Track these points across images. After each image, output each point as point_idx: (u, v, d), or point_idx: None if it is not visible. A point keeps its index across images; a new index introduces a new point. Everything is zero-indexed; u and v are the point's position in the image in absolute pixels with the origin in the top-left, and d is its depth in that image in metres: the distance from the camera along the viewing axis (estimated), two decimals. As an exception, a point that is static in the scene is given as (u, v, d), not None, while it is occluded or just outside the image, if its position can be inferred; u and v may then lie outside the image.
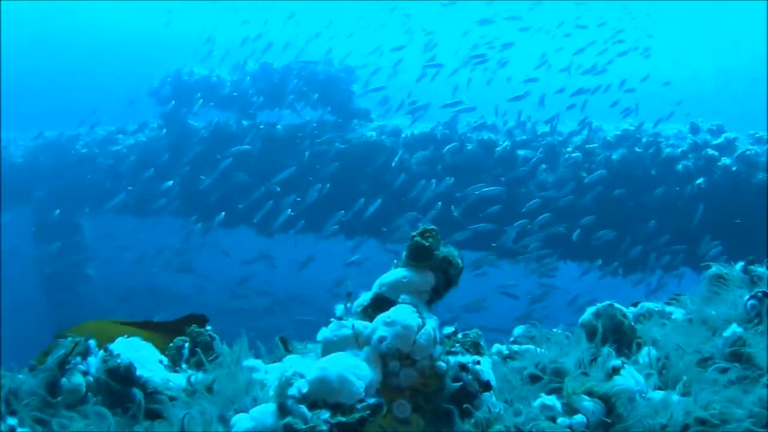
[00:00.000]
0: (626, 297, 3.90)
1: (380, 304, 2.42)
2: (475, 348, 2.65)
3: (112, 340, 3.27)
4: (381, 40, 21.04)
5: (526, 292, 15.38)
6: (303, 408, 2.09)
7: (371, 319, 2.35)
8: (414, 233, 2.46)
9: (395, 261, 2.53)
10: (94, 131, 17.76)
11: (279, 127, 15.27)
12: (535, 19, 22.93)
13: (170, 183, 14.81)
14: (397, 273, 2.46)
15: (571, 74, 17.85)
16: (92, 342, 2.79)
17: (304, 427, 2.03)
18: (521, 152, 13.25)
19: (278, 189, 14.03)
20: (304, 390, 2.12)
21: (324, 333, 2.36)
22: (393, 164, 13.40)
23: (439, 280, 2.47)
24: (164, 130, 16.48)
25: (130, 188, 16.13)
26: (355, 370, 2.16)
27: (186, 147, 15.83)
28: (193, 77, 16.13)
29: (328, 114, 15.15)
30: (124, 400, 2.57)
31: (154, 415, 2.50)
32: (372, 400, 2.13)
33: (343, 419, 2.07)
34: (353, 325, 2.32)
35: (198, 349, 2.91)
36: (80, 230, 19.24)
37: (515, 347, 3.20)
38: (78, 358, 2.64)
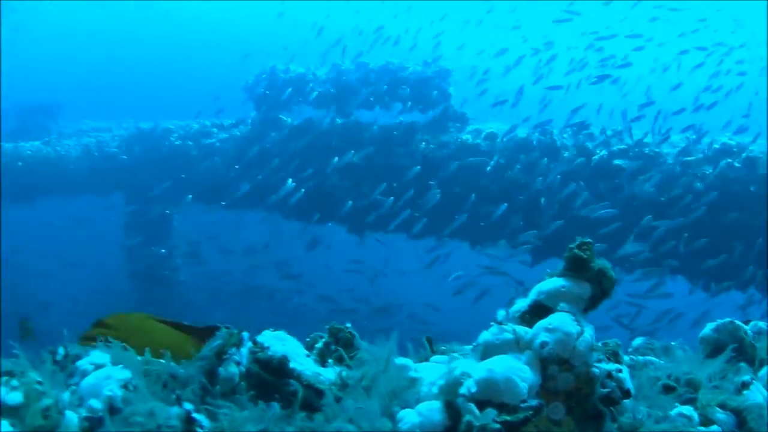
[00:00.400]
0: (718, 314, 3.97)
1: (538, 311, 2.56)
2: (615, 357, 2.76)
3: (145, 333, 3.59)
4: (482, 41, 21.14)
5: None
6: (472, 406, 2.23)
7: (529, 325, 2.49)
8: (572, 245, 2.60)
9: (548, 270, 2.66)
10: (189, 124, 18.12)
11: (375, 127, 15.42)
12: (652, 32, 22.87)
13: (292, 183, 14.85)
14: (556, 282, 2.60)
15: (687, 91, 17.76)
16: (245, 334, 2.94)
17: (477, 424, 2.18)
18: (618, 161, 13.18)
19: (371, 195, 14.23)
20: (473, 390, 2.26)
21: (485, 336, 2.50)
22: (488, 169, 13.45)
23: (594, 291, 2.60)
24: (258, 126, 16.76)
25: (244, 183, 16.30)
26: (519, 373, 2.31)
27: (279, 143, 16.12)
28: (288, 74, 16.34)
29: (424, 115, 15.24)
30: (276, 392, 2.71)
31: (307, 407, 2.62)
32: (534, 402, 2.27)
33: (509, 418, 2.21)
34: (514, 330, 2.46)
35: (339, 347, 3.01)
36: (171, 222, 19.63)
37: (639, 358, 3.31)
38: (233, 349, 2.80)
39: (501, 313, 2.61)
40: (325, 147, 15.41)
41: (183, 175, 17.07)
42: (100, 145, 18.75)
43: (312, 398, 2.65)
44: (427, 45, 17.95)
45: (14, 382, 2.41)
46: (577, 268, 2.59)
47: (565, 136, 13.65)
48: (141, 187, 18.71)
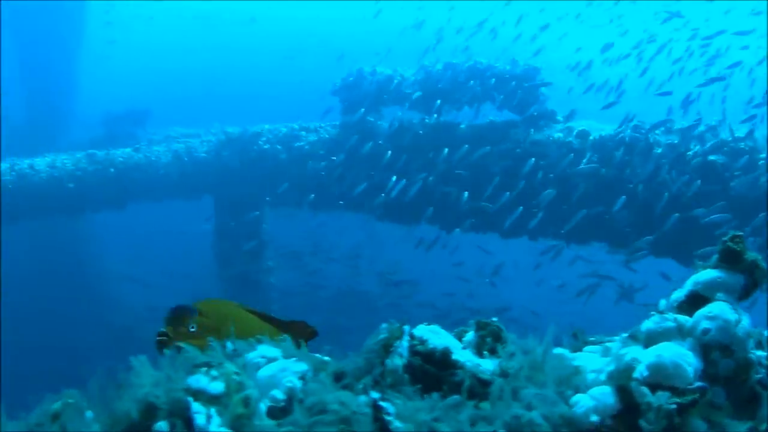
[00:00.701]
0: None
1: (695, 300, 2.75)
2: (759, 345, 2.92)
3: (235, 321, 3.69)
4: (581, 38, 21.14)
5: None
6: (646, 389, 2.43)
7: (687, 314, 2.68)
8: (725, 238, 2.78)
9: (699, 263, 2.85)
10: (277, 128, 18.46)
11: (462, 126, 15.57)
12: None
13: (402, 181, 15.03)
14: (711, 273, 2.79)
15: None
16: (406, 327, 3.13)
17: (655, 406, 2.37)
18: (713, 157, 13.09)
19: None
20: (645, 374, 2.46)
21: (647, 325, 2.71)
22: (582, 166, 13.49)
23: (747, 282, 2.77)
24: (346, 129, 17.02)
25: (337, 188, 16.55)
26: (685, 358, 2.50)
27: (368, 146, 16.34)
28: (375, 76, 16.56)
29: (514, 115, 15.32)
30: (439, 383, 2.88)
31: (472, 397, 2.78)
32: (699, 384, 2.46)
33: (679, 400, 2.40)
34: (676, 318, 2.65)
35: (489, 339, 3.16)
36: (261, 225, 20.00)
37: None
38: (397, 342, 2.99)
39: (662, 303, 2.80)
40: (415, 148, 15.62)
41: (285, 184, 17.31)
42: (190, 151, 19.20)
43: (476, 388, 2.81)
44: (522, 42, 17.93)
45: (214, 372, 2.64)
46: (730, 260, 2.77)
47: (657, 132, 13.57)
48: (231, 192, 19.20)
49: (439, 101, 15.67)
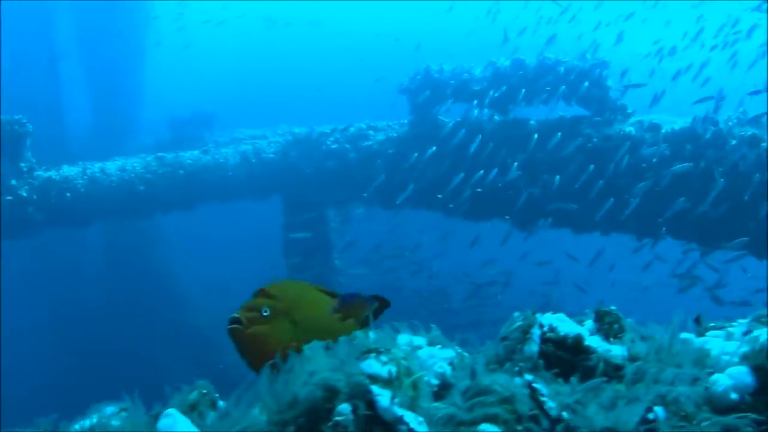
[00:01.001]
0: None
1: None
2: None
3: (307, 303, 3.89)
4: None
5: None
6: (783, 367, 2.67)
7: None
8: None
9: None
10: (344, 127, 18.76)
11: (532, 122, 15.74)
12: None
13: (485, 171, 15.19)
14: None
15: None
16: (539, 315, 3.34)
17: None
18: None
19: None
20: (781, 353, 2.70)
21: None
22: (654, 160, 13.57)
23: None
24: (415, 127, 17.26)
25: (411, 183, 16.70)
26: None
27: (437, 143, 16.57)
28: (443, 74, 16.76)
29: (583, 109, 15.43)
30: (573, 368, 3.10)
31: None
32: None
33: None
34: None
35: (615, 326, 3.36)
36: (327, 223, 20.31)
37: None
38: (533, 330, 3.23)
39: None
40: (485, 145, 15.81)
41: (364, 195, 17.58)
42: (258, 152, 19.59)
43: (609, 372, 3.04)
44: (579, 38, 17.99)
45: (383, 358, 2.91)
46: None
47: (730, 124, 13.58)
48: (299, 191, 19.56)
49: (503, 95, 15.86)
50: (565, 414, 2.78)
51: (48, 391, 26.37)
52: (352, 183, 18.15)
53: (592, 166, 14.17)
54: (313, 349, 3.10)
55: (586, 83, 15.13)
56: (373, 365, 2.88)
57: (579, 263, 18.80)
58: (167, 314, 27.01)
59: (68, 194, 17.40)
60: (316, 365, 2.93)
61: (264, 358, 3.66)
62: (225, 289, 26.88)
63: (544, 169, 14.93)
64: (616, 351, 3.17)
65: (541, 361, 3.16)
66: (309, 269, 19.81)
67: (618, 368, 3.07)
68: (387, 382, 2.83)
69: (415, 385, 2.85)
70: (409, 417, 2.70)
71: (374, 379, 2.83)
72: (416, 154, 16.41)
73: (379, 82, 17.70)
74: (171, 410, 3.14)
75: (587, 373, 3.08)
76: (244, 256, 30.86)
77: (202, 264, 29.36)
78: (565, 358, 3.16)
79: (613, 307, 3.46)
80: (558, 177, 14.50)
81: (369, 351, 2.98)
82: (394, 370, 2.87)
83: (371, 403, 2.74)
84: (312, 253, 19.95)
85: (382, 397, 2.75)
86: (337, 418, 2.73)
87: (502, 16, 28.76)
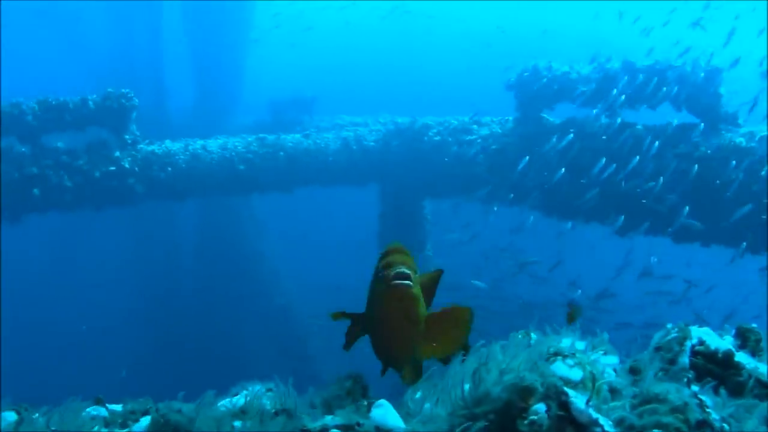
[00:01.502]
0: None
1: None
2: None
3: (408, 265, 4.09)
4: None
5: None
6: None
7: None
8: None
9: None
10: (447, 120, 19.00)
11: (639, 126, 15.79)
12: None
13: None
14: None
15: None
16: (692, 329, 3.54)
17: None
18: None
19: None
20: None
21: None
22: (763, 172, 13.53)
23: None
24: (520, 125, 17.43)
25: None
26: None
27: (541, 142, 16.75)
28: (551, 72, 16.89)
29: (693, 116, 15.42)
30: (722, 382, 3.30)
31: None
32: None
33: None
34: None
35: (763, 344, 3.52)
36: (424, 215, 20.58)
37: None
38: (687, 342, 3.43)
39: None
40: (590, 148, 15.94)
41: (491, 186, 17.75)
42: (359, 139, 19.94)
43: (756, 389, 3.26)
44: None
45: (570, 361, 3.16)
46: None
47: None
48: (398, 181, 19.86)
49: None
50: (726, 426, 2.96)
51: (141, 364, 27.14)
52: (454, 176, 18.32)
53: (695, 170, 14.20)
54: (489, 349, 3.34)
55: (695, 89, 15.11)
56: (562, 368, 3.12)
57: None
58: (255, 295, 27.51)
59: (169, 168, 17.91)
60: (505, 364, 3.15)
61: (411, 323, 3.99)
62: (314, 275, 27.40)
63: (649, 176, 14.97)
64: (764, 369, 3.37)
65: (692, 373, 3.39)
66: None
67: (765, 386, 3.27)
68: (578, 385, 3.05)
69: (598, 390, 3.06)
70: (604, 420, 2.90)
71: (566, 381, 3.05)
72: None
73: (507, 71, 17.63)
74: (382, 401, 3.44)
75: (736, 388, 3.28)
76: (336, 243, 31.36)
77: (293, 248, 29.82)
78: (716, 372, 3.38)
79: (754, 325, 3.63)
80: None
81: (556, 354, 3.21)
82: (580, 374, 3.10)
83: (565, 405, 2.95)
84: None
85: (578, 399, 2.96)
86: (533, 417, 2.91)
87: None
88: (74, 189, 16.90)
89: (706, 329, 3.48)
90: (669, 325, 3.52)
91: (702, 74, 15.19)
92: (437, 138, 18.66)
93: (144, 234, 29.12)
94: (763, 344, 3.49)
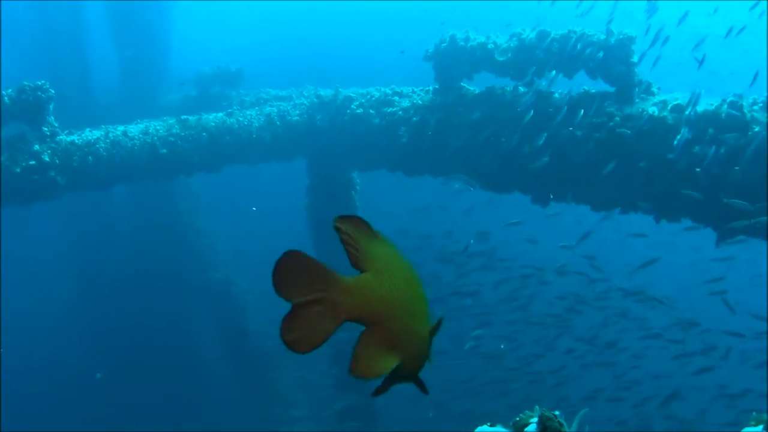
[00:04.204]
0: None
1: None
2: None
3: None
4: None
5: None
6: None
7: None
8: None
9: None
10: (370, 92, 18.85)
11: (556, 95, 15.69)
12: None
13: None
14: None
15: None
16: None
17: None
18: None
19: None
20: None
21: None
22: (675, 143, 13.44)
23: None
24: (440, 95, 17.30)
25: None
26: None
27: (461, 112, 16.66)
28: (468, 42, 16.72)
29: (607, 85, 15.32)
30: None
31: None
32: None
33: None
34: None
35: None
36: (353, 186, 20.56)
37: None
38: None
39: None
40: (509, 117, 15.86)
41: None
42: (282, 115, 19.80)
43: None
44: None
45: None
46: None
47: (755, 108, 13.33)
48: (324, 155, 19.82)
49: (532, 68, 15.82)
50: None
51: (84, 355, 27.14)
52: (377, 148, 18.27)
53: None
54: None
55: (609, 58, 15.00)
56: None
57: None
58: (193, 271, 27.51)
59: (90, 158, 17.61)
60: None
61: None
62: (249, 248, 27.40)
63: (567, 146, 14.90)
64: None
65: None
66: (331, 231, 20.06)
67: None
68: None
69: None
70: None
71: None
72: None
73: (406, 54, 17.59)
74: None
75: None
76: (268, 217, 31.33)
77: (227, 224, 29.79)
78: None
79: (557, 412, 3.50)
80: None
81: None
82: None
83: None
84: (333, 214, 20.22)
85: None
86: None
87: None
88: (-5, 186, 16.61)
89: (496, 429, 3.36)
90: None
91: (614, 42, 15.01)
92: (359, 111, 18.51)
93: (76, 224, 28.97)
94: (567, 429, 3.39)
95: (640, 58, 15.27)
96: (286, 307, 3.25)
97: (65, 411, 26.46)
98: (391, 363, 3.24)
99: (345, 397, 21.34)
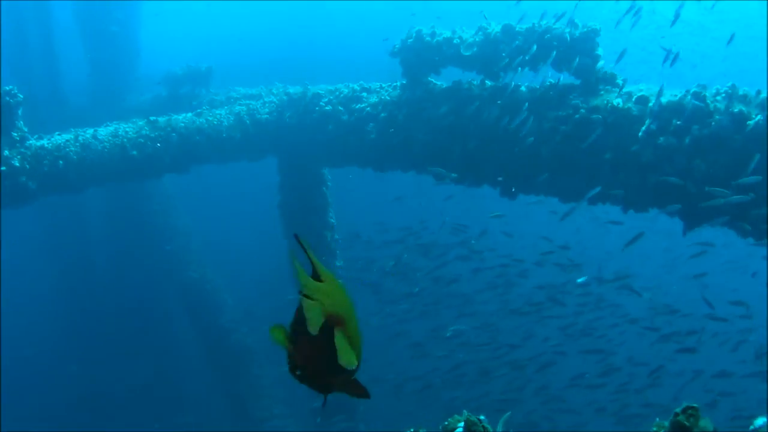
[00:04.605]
0: None
1: None
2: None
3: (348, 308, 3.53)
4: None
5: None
6: None
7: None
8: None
9: None
10: (338, 89, 18.88)
11: (522, 88, 15.72)
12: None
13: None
14: None
15: None
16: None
17: None
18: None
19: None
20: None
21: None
22: (640, 134, 13.48)
23: None
24: (407, 90, 17.32)
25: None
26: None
27: (428, 107, 16.69)
28: (434, 38, 16.73)
29: (572, 78, 15.35)
30: None
31: None
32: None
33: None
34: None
35: None
36: (324, 183, 20.60)
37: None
38: None
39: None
40: (476, 111, 15.87)
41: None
42: (252, 113, 19.79)
43: None
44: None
45: None
46: None
47: (718, 98, 13.38)
48: (294, 153, 19.85)
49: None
50: None
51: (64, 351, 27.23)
52: (347, 145, 18.30)
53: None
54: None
55: (574, 51, 15.03)
56: None
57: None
58: (169, 270, 27.58)
59: (61, 162, 17.59)
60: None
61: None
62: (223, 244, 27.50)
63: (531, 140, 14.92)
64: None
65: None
66: (304, 227, 20.20)
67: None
68: None
69: None
70: None
71: None
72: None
73: (385, 43, 17.61)
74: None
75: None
76: (242, 215, 31.40)
77: (202, 223, 29.84)
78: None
79: (482, 417, 3.54)
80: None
81: None
82: None
83: None
84: (308, 213, 20.38)
85: None
86: None
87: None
88: (-34, 192, 16.56)
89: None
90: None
91: (578, 35, 15.05)
92: (328, 108, 18.54)
93: (50, 227, 28.99)
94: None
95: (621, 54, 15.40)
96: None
97: (43, 406, 26.63)
98: (357, 359, 3.47)
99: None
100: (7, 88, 16.90)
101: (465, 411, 3.60)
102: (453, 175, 16.01)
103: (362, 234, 25.29)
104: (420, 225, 24.69)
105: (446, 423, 3.58)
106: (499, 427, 3.39)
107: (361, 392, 3.75)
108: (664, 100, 13.47)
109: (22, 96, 17.07)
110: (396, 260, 23.62)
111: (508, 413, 3.13)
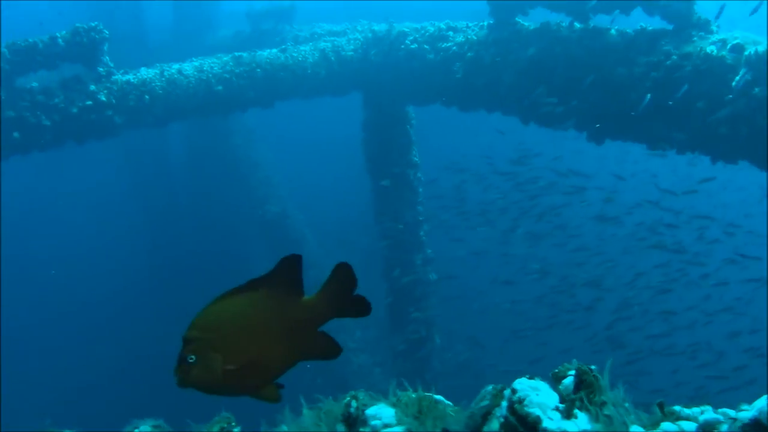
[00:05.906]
0: None
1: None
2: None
3: (238, 329, 3.58)
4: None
5: None
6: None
7: None
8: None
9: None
10: (424, 27, 18.86)
11: (613, 32, 15.56)
12: None
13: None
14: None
15: None
16: (516, 383, 3.59)
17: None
18: None
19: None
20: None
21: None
22: (733, 84, 13.29)
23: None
24: (494, 30, 17.25)
25: None
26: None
27: (515, 48, 16.63)
28: (524, -24, 16.67)
29: (664, 22, 15.13)
30: None
31: None
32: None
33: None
34: None
35: (584, 396, 3.58)
36: (408, 121, 20.65)
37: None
38: (497, 409, 3.52)
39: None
40: (565, 54, 15.79)
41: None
42: (336, 50, 19.89)
43: None
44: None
45: None
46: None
47: None
48: (378, 91, 19.92)
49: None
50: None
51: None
52: (432, 84, 18.35)
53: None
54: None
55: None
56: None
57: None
58: (251, 204, 27.87)
59: (147, 96, 17.95)
60: None
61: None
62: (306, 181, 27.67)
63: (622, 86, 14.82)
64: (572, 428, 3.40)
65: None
66: (388, 167, 20.34)
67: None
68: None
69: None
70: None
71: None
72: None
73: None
74: None
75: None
76: (324, 151, 31.50)
77: (283, 157, 30.01)
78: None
79: (593, 366, 3.64)
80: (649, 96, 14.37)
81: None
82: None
83: None
84: (390, 152, 20.49)
85: None
86: None
87: None
88: (53, 127, 16.96)
89: (536, 383, 3.49)
90: (489, 389, 3.60)
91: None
92: (414, 46, 18.58)
93: (133, 161, 29.42)
94: (602, 382, 3.51)
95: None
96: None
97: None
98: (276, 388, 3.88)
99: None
100: (92, 24, 17.24)
101: (575, 360, 3.73)
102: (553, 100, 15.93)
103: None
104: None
105: (556, 371, 3.71)
106: (606, 379, 3.53)
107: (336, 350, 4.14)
108: (761, 48, 13.21)
109: (107, 32, 17.40)
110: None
111: (610, 360, 3.22)
